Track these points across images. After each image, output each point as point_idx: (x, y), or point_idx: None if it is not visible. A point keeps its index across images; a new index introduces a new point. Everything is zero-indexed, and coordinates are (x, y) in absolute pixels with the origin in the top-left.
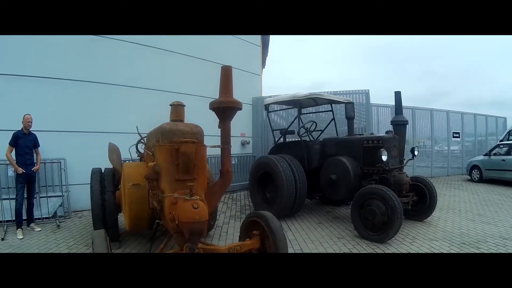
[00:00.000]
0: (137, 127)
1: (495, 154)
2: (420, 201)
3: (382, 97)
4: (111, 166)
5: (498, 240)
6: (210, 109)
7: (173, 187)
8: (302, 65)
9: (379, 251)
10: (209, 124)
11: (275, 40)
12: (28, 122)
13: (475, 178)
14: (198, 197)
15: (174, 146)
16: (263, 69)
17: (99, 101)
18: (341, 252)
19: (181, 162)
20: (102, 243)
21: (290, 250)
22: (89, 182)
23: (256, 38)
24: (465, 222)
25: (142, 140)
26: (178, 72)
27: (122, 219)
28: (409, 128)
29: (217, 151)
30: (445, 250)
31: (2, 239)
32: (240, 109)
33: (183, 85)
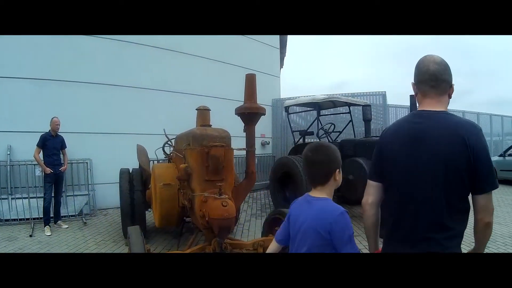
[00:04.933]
0: (164, 129)
1: (510, 155)
2: None
3: (401, 97)
4: (137, 167)
5: (508, 240)
6: (236, 114)
7: (203, 187)
8: (322, 66)
9: None
10: (230, 124)
11: (294, 40)
12: (57, 125)
13: None
14: (226, 196)
15: (204, 150)
16: (281, 69)
17: (124, 103)
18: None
19: (211, 164)
20: (138, 237)
21: None
22: (116, 182)
23: (275, 41)
24: None
25: (169, 142)
26: (201, 75)
27: (148, 216)
28: None
29: (241, 153)
30: None
31: (31, 236)
32: (264, 114)
33: (206, 88)
